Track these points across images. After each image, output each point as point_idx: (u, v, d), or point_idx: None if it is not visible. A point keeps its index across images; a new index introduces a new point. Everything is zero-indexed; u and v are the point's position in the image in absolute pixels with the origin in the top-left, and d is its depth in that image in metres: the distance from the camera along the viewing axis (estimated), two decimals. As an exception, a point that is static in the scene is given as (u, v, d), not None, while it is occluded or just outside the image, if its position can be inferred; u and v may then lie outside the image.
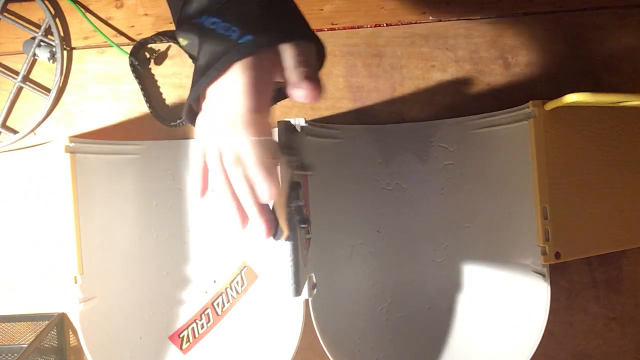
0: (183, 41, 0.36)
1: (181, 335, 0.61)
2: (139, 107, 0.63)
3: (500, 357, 0.53)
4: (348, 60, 0.61)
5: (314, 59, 0.35)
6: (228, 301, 0.61)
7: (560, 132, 0.50)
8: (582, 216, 0.52)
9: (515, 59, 0.60)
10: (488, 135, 0.57)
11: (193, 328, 0.61)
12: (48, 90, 0.63)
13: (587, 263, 0.59)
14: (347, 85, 0.61)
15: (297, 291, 0.40)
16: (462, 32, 0.60)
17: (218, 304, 0.61)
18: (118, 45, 0.62)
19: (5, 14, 0.63)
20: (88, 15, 0.63)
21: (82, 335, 0.53)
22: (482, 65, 0.60)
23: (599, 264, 0.59)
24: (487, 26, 0.60)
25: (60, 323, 0.62)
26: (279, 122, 0.44)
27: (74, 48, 0.64)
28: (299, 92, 0.33)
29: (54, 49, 0.62)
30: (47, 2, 0.63)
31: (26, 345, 0.55)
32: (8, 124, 0.64)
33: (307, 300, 0.52)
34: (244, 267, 0.61)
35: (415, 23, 0.60)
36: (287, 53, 0.33)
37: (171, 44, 0.62)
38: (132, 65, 0.61)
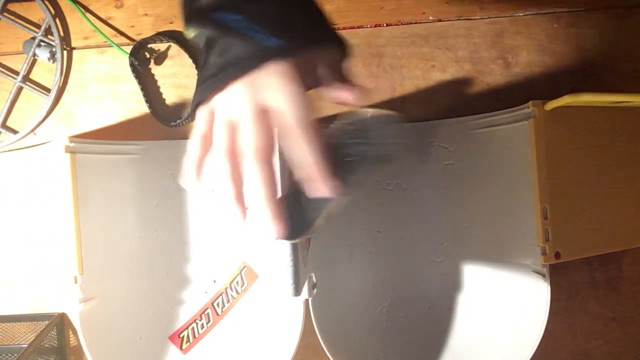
0: (191, 32, 0.35)
1: (181, 335, 0.61)
2: (139, 107, 0.63)
3: (500, 357, 0.53)
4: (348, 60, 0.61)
5: (341, 61, 0.35)
6: (228, 301, 0.61)
7: (560, 132, 0.50)
8: (582, 216, 0.52)
9: (515, 59, 0.59)
10: (488, 135, 0.57)
11: (193, 328, 0.61)
12: (48, 90, 0.63)
13: (587, 263, 0.59)
14: (347, 85, 0.61)
15: (297, 291, 0.40)
16: (462, 32, 0.60)
17: (218, 304, 0.61)
18: (118, 45, 0.62)
19: (5, 14, 0.63)
20: (88, 15, 0.63)
21: (82, 335, 0.53)
22: (482, 65, 0.60)
23: (599, 264, 0.59)
24: (487, 26, 0.60)
25: (60, 323, 0.62)
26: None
27: (74, 48, 0.64)
28: (340, 96, 0.33)
29: (54, 49, 0.62)
30: (47, 2, 0.63)
31: (26, 345, 0.55)
32: (8, 124, 0.64)
33: (307, 300, 0.52)
34: (244, 267, 0.61)
35: (415, 23, 0.60)
36: (316, 58, 0.33)
37: (171, 44, 0.62)
38: (132, 65, 0.61)
